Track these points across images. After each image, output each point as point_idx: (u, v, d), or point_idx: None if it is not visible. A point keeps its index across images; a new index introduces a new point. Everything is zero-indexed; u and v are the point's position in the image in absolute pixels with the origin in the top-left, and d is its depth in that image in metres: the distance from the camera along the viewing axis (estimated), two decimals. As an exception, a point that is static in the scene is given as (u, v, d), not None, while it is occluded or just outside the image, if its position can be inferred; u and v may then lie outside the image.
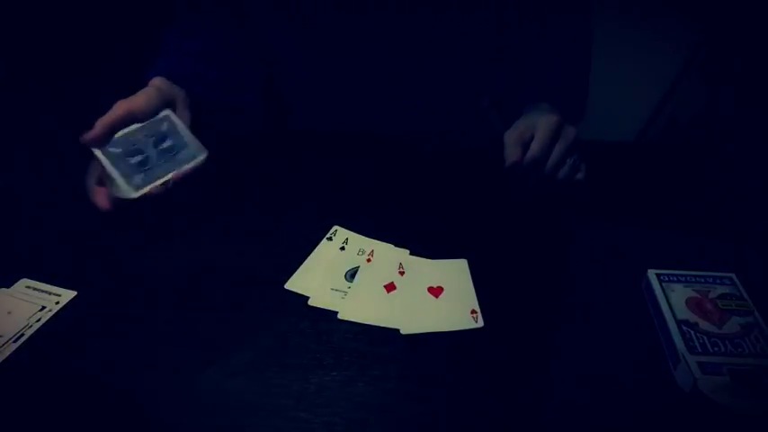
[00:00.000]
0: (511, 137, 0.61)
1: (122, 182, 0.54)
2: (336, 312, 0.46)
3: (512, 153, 0.60)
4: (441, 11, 0.67)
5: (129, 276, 0.51)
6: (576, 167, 0.63)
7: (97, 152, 0.55)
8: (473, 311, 0.46)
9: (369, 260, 0.52)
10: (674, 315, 0.43)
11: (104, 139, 0.55)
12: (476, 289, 0.49)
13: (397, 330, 0.45)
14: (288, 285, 0.49)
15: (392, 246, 0.54)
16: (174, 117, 0.61)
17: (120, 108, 0.56)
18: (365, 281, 0.50)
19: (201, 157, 0.61)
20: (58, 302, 0.48)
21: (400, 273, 0.51)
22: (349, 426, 0.37)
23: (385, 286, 0.49)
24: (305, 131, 0.82)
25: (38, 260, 0.53)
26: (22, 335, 0.44)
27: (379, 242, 0.54)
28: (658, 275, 0.47)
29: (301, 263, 0.52)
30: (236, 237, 0.56)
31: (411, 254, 0.53)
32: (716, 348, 0.40)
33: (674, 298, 0.45)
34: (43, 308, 0.47)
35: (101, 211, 0.56)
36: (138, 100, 0.58)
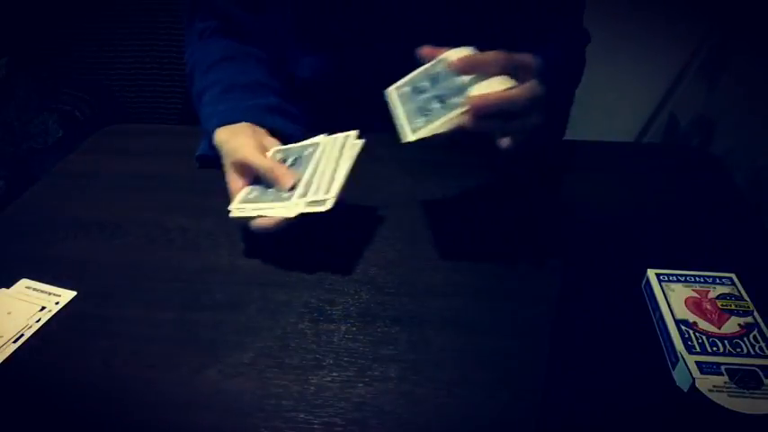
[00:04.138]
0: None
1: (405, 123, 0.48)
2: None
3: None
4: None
5: (128, 276, 0.51)
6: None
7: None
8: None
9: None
10: (672, 315, 0.43)
11: None
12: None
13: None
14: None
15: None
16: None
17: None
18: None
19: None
20: (57, 303, 0.48)
21: None
22: (349, 426, 0.37)
23: None
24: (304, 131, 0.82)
25: (38, 260, 0.53)
26: (22, 335, 0.44)
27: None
28: (658, 275, 0.47)
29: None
30: (236, 237, 0.56)
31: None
32: (715, 348, 0.40)
33: (673, 298, 0.45)
34: (43, 308, 0.47)
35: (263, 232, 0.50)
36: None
